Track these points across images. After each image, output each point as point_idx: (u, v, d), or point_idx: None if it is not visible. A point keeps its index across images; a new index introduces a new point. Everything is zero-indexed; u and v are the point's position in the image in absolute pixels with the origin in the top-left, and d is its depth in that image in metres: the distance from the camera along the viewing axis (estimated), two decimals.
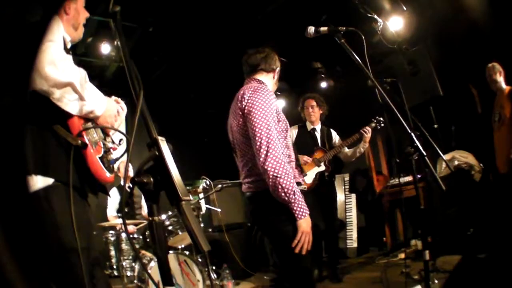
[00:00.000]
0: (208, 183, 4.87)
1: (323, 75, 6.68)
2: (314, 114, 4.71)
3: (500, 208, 3.97)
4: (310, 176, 4.49)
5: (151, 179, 1.06)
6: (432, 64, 5.03)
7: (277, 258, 2.40)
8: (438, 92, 4.97)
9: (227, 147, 2.51)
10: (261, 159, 2.11)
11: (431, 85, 4.99)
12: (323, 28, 2.31)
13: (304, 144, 4.61)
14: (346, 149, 4.69)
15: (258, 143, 2.13)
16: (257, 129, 2.15)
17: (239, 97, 2.30)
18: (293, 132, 4.73)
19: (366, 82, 2.85)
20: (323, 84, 6.70)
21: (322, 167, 4.56)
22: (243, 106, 2.23)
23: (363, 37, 2.34)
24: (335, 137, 4.80)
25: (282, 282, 2.50)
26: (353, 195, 6.09)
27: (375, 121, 4.63)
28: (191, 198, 5.18)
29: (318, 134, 4.73)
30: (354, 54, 2.22)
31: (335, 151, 4.60)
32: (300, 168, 2.76)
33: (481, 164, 4.62)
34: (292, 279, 2.19)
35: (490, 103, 4.31)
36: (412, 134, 2.03)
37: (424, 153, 2.01)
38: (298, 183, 2.26)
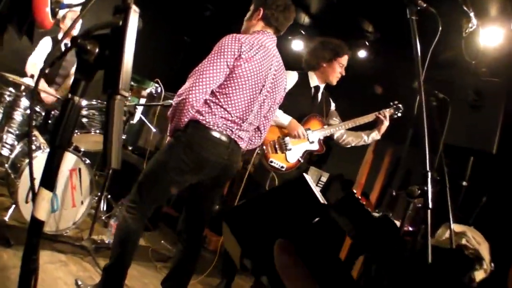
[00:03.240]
0: (159, 91, 4.86)
1: (368, 42, 6.64)
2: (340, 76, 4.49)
3: None
4: (295, 153, 4.35)
5: (96, 50, 1.06)
6: (503, 111, 4.90)
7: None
8: (490, 147, 4.75)
9: None
10: None
11: (487, 134, 4.80)
12: None
13: (298, 103, 4.41)
14: (346, 132, 4.59)
15: None
16: None
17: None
18: (291, 78, 4.40)
19: (411, 79, 2.88)
20: (361, 53, 6.70)
21: (315, 145, 4.42)
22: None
23: (440, 28, 2.36)
24: (333, 109, 4.66)
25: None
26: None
27: (393, 105, 4.59)
28: (129, 97, 5.15)
29: (319, 96, 4.57)
30: (418, 41, 2.24)
31: (340, 126, 4.46)
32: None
33: (493, 264, 4.56)
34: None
35: None
36: (429, 174, 2.06)
37: (430, 205, 2.03)
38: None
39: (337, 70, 4.40)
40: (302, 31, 7.35)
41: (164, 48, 8.15)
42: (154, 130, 5.20)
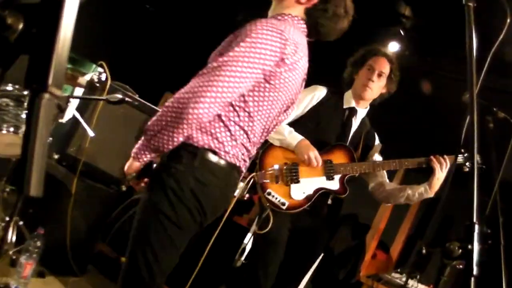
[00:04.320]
0: (103, 79, 4.86)
1: (402, 31, 6.68)
2: (375, 88, 4.49)
3: None
4: (303, 188, 4.33)
5: (20, 25, 1.05)
6: None
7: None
8: None
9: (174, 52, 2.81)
10: None
11: None
12: None
13: (322, 125, 4.46)
14: (386, 179, 4.57)
15: None
16: None
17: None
18: (315, 95, 4.49)
19: (459, 88, 2.88)
20: (393, 46, 6.73)
21: (335, 183, 4.40)
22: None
23: (509, 21, 2.36)
24: (376, 146, 4.69)
25: None
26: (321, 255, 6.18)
27: (464, 155, 4.30)
28: (63, 93, 5.05)
29: (355, 123, 4.63)
30: (474, 37, 2.23)
31: (373, 168, 4.42)
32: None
33: None
34: None
35: None
36: (477, 227, 2.06)
37: (476, 272, 1.95)
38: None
39: (364, 76, 4.47)
40: None
41: (116, 19, 8.15)
42: (91, 134, 5.15)
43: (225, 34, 2.99)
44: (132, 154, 2.86)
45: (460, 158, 4.28)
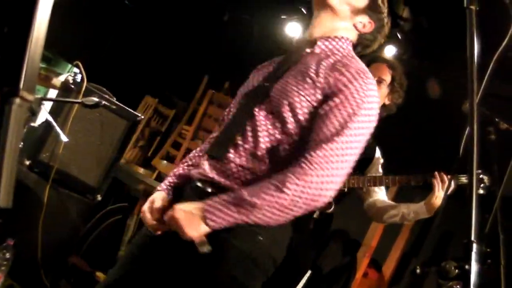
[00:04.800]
0: (78, 80, 4.86)
1: (400, 34, 6.70)
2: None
3: None
4: None
5: None
6: None
7: None
8: None
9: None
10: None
11: None
12: None
13: None
14: (383, 196, 4.58)
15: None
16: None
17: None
18: None
19: (460, 96, 2.88)
20: (390, 50, 6.74)
21: None
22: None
23: None
24: (376, 159, 4.68)
25: None
26: (308, 272, 6.19)
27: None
28: (37, 95, 5.03)
29: None
30: (476, 42, 2.23)
31: (363, 182, 4.42)
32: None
33: None
34: None
35: None
36: (475, 246, 2.06)
37: None
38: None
39: None
40: (302, 9, 7.37)
41: (93, 15, 8.13)
42: (65, 139, 5.12)
43: (211, 35, 2.95)
44: (204, 214, 2.50)
45: (464, 178, 4.25)
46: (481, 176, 4.22)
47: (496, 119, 3.54)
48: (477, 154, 2.12)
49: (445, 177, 4.26)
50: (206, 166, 2.73)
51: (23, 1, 1.10)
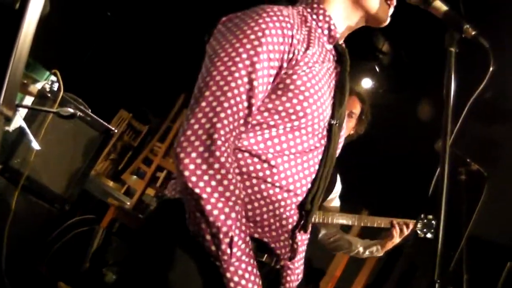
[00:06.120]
0: (55, 89, 4.83)
1: (378, 67, 6.71)
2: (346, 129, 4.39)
3: None
4: None
5: None
6: None
7: None
8: None
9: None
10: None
11: None
12: (438, 3, 2.34)
13: None
14: (339, 231, 4.59)
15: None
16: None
17: None
18: None
19: (433, 134, 2.87)
20: (366, 82, 6.78)
21: None
22: None
23: (492, 68, 2.38)
24: (337, 190, 4.69)
25: None
26: None
27: (423, 220, 4.31)
28: (20, 107, 5.04)
29: None
30: (453, 82, 2.22)
31: (324, 218, 4.33)
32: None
33: None
34: None
35: None
36: (437, 286, 2.07)
37: None
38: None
39: None
40: None
41: (75, 24, 8.13)
42: (36, 146, 5.08)
43: (190, 53, 2.89)
44: None
45: (418, 224, 4.33)
46: (432, 221, 4.27)
47: (468, 160, 3.55)
48: (446, 194, 2.13)
49: (404, 227, 4.28)
50: None
51: (7, 18, 1.10)
